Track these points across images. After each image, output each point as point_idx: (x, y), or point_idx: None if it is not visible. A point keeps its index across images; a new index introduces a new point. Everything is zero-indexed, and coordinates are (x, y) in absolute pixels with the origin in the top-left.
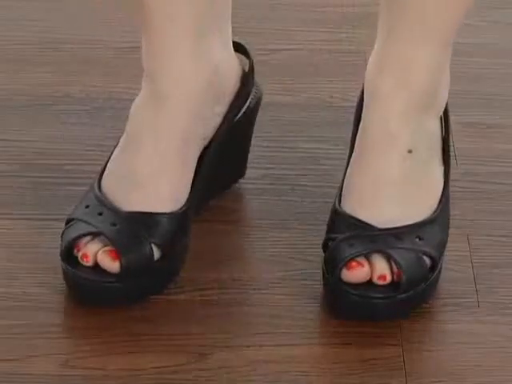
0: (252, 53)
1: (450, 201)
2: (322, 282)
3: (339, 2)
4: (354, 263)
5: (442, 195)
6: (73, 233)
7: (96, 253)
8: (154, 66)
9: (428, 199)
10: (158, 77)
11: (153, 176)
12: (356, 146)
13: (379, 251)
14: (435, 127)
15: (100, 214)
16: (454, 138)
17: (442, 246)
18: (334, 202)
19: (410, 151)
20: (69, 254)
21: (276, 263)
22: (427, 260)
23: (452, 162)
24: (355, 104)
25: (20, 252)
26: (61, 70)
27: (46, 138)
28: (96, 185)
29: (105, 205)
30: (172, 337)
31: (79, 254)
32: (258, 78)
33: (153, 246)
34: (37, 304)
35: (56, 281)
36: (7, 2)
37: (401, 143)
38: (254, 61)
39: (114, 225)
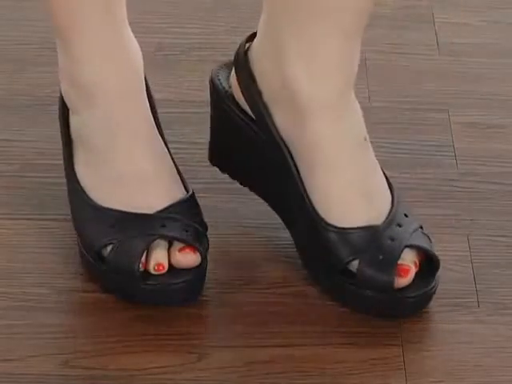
0: None
1: (449, 200)
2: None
3: None
4: (404, 268)
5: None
6: (132, 252)
7: (166, 257)
8: (86, 68)
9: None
10: (98, 78)
11: (155, 169)
12: (306, 159)
13: (402, 244)
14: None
15: (136, 225)
16: (454, 138)
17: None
18: (318, 225)
19: (365, 138)
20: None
21: (276, 263)
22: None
23: (452, 161)
24: None
25: (20, 252)
26: None
27: (46, 138)
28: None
29: (136, 216)
30: (172, 337)
31: (151, 266)
32: None
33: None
34: (37, 304)
35: (56, 281)
36: (7, 2)
37: (356, 135)
38: None
39: (164, 226)
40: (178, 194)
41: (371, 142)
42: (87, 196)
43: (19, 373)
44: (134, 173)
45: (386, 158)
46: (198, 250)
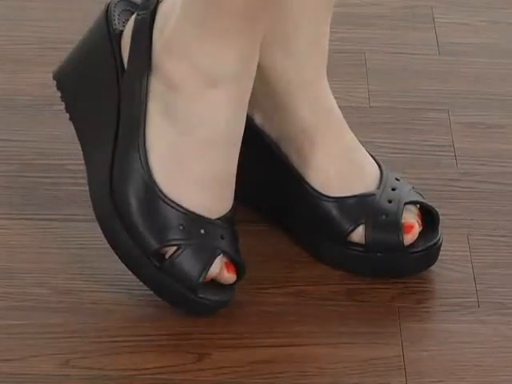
0: None
1: (449, 200)
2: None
3: (339, 1)
4: (408, 225)
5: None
6: (199, 262)
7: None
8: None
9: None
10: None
11: (229, 175)
12: (293, 143)
13: (401, 203)
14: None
15: (204, 232)
16: (454, 138)
17: None
18: (317, 200)
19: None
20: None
21: (276, 263)
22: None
23: (452, 161)
24: (356, 104)
25: (20, 252)
26: None
27: (46, 138)
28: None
29: (205, 220)
30: (172, 337)
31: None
32: None
33: None
34: (37, 304)
35: (56, 281)
36: (7, 2)
37: (336, 113)
38: None
39: (223, 238)
40: (231, 202)
41: (370, 142)
42: (159, 189)
43: (19, 373)
44: (214, 173)
45: (386, 158)
46: (238, 268)
